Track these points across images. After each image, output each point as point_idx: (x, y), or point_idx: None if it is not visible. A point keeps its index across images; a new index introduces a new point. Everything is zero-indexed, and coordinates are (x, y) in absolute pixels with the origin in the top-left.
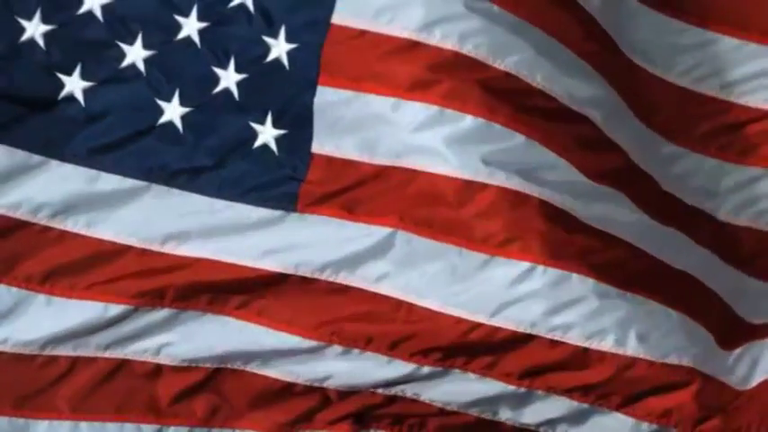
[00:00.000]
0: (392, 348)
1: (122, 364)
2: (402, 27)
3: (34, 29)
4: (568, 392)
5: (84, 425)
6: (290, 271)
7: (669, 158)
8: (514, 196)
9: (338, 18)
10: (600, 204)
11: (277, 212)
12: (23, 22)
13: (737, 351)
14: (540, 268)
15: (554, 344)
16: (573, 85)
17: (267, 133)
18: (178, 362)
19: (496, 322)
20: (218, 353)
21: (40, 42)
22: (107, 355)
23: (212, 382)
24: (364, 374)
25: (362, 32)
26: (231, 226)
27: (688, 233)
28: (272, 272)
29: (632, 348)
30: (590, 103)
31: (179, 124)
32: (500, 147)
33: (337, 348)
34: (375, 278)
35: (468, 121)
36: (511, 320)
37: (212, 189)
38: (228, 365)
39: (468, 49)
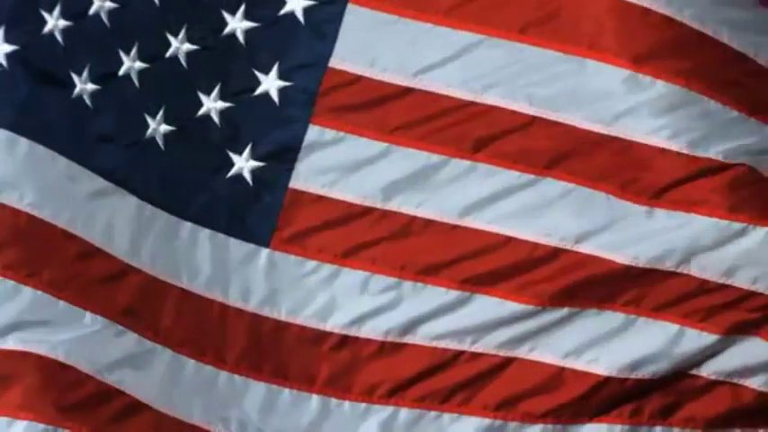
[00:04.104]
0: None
1: None
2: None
3: (54, 22)
4: (542, 417)
5: None
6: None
7: None
8: None
9: (337, 62)
10: None
11: (250, 245)
12: (45, 15)
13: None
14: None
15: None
16: None
17: (243, 164)
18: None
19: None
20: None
21: (59, 37)
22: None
23: None
24: None
25: (359, 77)
26: (207, 253)
27: None
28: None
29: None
30: None
31: (161, 142)
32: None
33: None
34: (350, 321)
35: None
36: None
37: (184, 212)
38: None
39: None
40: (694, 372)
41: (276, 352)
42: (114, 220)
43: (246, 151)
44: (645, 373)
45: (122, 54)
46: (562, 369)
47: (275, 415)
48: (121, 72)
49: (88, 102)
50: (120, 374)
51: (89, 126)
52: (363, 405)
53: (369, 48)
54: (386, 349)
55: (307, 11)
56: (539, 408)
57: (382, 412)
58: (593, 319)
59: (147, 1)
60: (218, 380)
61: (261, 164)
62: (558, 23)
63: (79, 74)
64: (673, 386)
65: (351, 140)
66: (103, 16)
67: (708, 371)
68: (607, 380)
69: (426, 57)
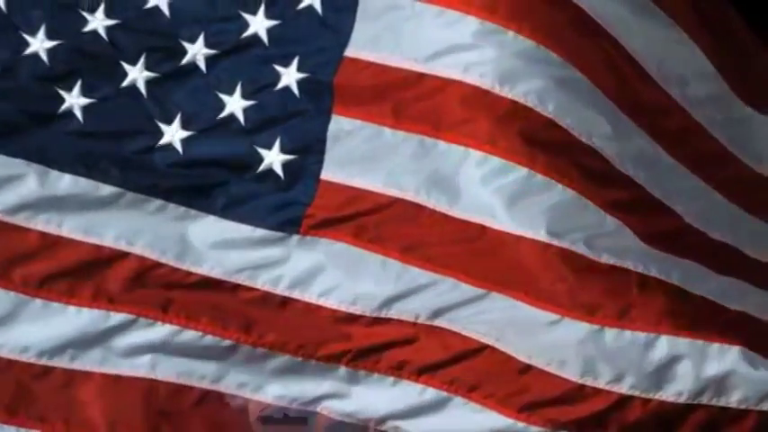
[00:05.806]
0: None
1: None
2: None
3: (39, 44)
4: (564, 425)
5: None
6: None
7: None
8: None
9: (352, 51)
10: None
11: (279, 234)
12: (28, 38)
13: None
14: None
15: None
16: (587, 118)
17: (274, 158)
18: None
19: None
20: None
21: (44, 57)
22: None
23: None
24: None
25: (371, 64)
26: (233, 243)
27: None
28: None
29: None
30: (604, 137)
31: (179, 147)
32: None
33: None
34: (379, 304)
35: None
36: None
37: (212, 208)
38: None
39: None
40: (723, 403)
41: (304, 331)
42: (110, 219)
43: (276, 146)
44: (669, 394)
45: (126, 66)
46: (582, 386)
47: (298, 381)
48: (125, 84)
49: (79, 115)
50: (116, 361)
51: (82, 139)
52: (392, 378)
53: (383, 35)
54: (417, 331)
55: (324, 1)
56: (561, 417)
57: (411, 387)
58: (614, 335)
59: (154, 14)
60: (239, 350)
61: (291, 157)
62: None
63: (69, 89)
64: (702, 413)
65: (370, 129)
66: (102, 32)
67: (737, 398)
68: (631, 397)
69: (438, 42)
